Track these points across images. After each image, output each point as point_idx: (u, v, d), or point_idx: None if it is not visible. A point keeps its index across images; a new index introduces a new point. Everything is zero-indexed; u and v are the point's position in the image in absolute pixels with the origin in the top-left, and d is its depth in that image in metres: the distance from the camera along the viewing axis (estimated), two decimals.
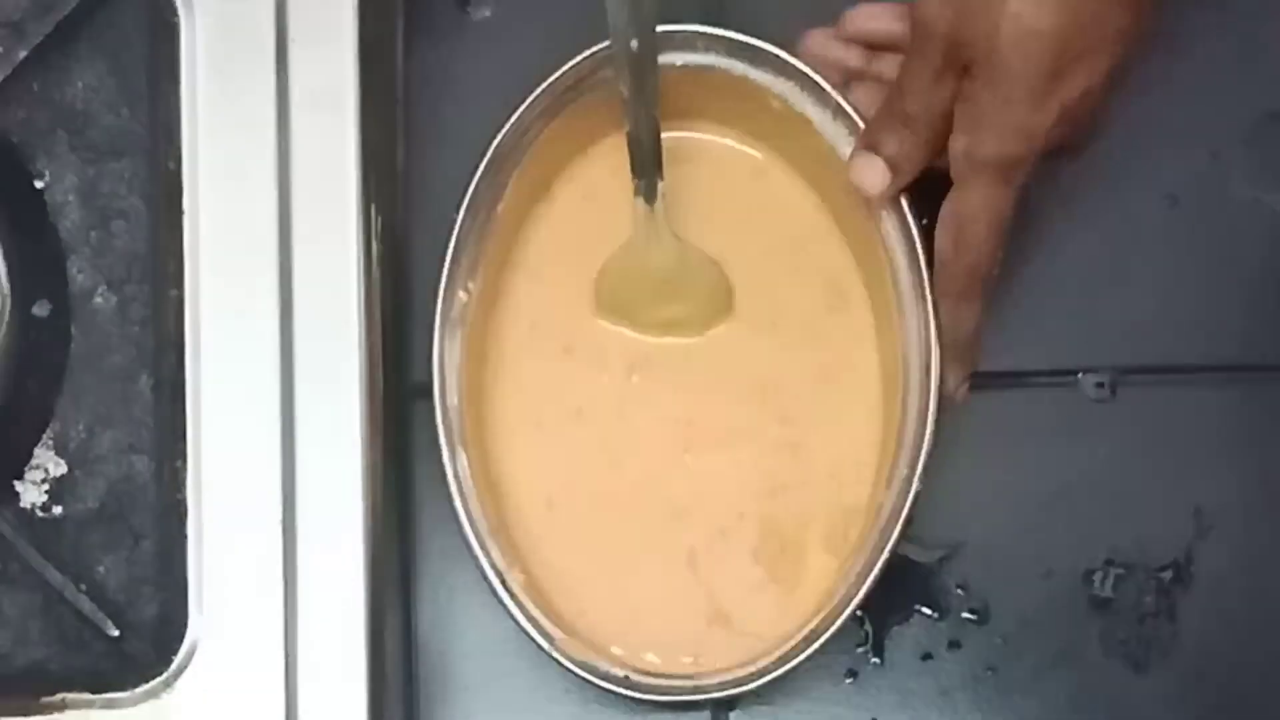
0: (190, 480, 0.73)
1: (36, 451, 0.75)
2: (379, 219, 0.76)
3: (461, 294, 0.76)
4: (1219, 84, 0.82)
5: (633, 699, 0.75)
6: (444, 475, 0.74)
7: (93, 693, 0.72)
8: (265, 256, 0.74)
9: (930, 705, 0.80)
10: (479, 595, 0.75)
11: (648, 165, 0.76)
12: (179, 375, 0.74)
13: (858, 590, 0.73)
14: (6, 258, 0.74)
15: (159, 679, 0.72)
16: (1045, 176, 0.73)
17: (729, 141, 0.80)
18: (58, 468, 0.75)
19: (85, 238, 0.75)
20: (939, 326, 0.74)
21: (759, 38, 0.77)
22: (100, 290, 0.75)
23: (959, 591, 0.81)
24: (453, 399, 0.75)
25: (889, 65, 0.76)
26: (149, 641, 0.74)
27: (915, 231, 0.75)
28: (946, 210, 0.73)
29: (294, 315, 0.74)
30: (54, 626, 0.74)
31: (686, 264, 0.78)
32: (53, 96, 0.76)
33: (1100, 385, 0.81)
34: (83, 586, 0.73)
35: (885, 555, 0.73)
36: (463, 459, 0.75)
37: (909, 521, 0.74)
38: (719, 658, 0.76)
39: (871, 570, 0.73)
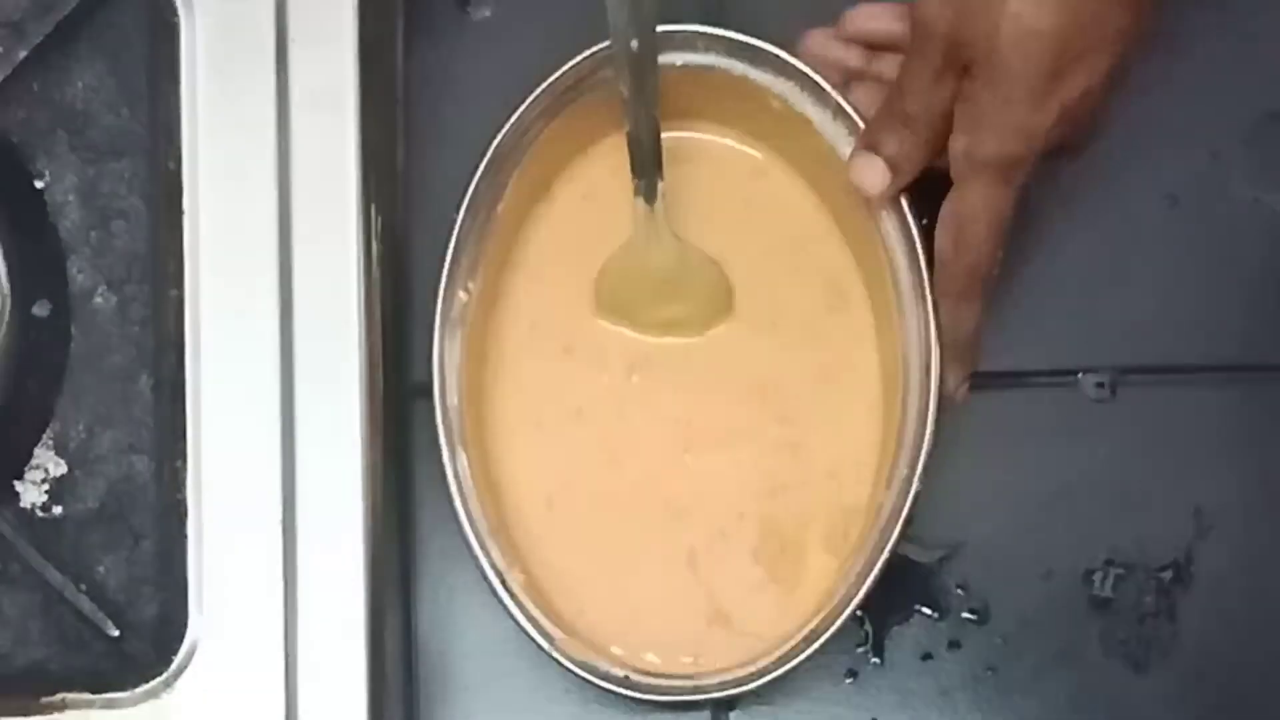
0: (190, 480, 0.73)
1: (36, 451, 0.75)
2: (379, 219, 0.76)
3: (461, 294, 0.76)
4: (1219, 84, 0.82)
5: (633, 699, 0.75)
6: (444, 475, 0.74)
7: (93, 693, 0.73)
8: (265, 256, 0.74)
9: (930, 705, 0.80)
10: (479, 595, 0.75)
11: (648, 165, 0.76)
12: (179, 375, 0.74)
13: (858, 590, 0.73)
14: (6, 258, 0.74)
15: (159, 679, 0.72)
16: (1045, 176, 0.73)
17: (729, 141, 0.80)
18: (58, 468, 0.75)
19: (85, 238, 0.76)
20: (939, 326, 0.74)
21: (759, 38, 0.77)
22: (100, 290, 0.75)
23: (959, 591, 0.81)
24: (453, 399, 0.75)
25: (889, 65, 0.76)
26: (149, 641, 0.74)
27: (915, 231, 0.75)
28: (946, 210, 0.73)
29: (294, 315, 0.74)
30: (54, 626, 0.74)
31: (686, 264, 0.78)
32: (53, 96, 0.76)
33: (1100, 385, 0.81)
34: (83, 586, 0.73)
35: (885, 555, 0.73)
36: (463, 459, 0.75)
37: (909, 521, 0.74)
38: (719, 658, 0.76)
39: (871, 570, 0.73)
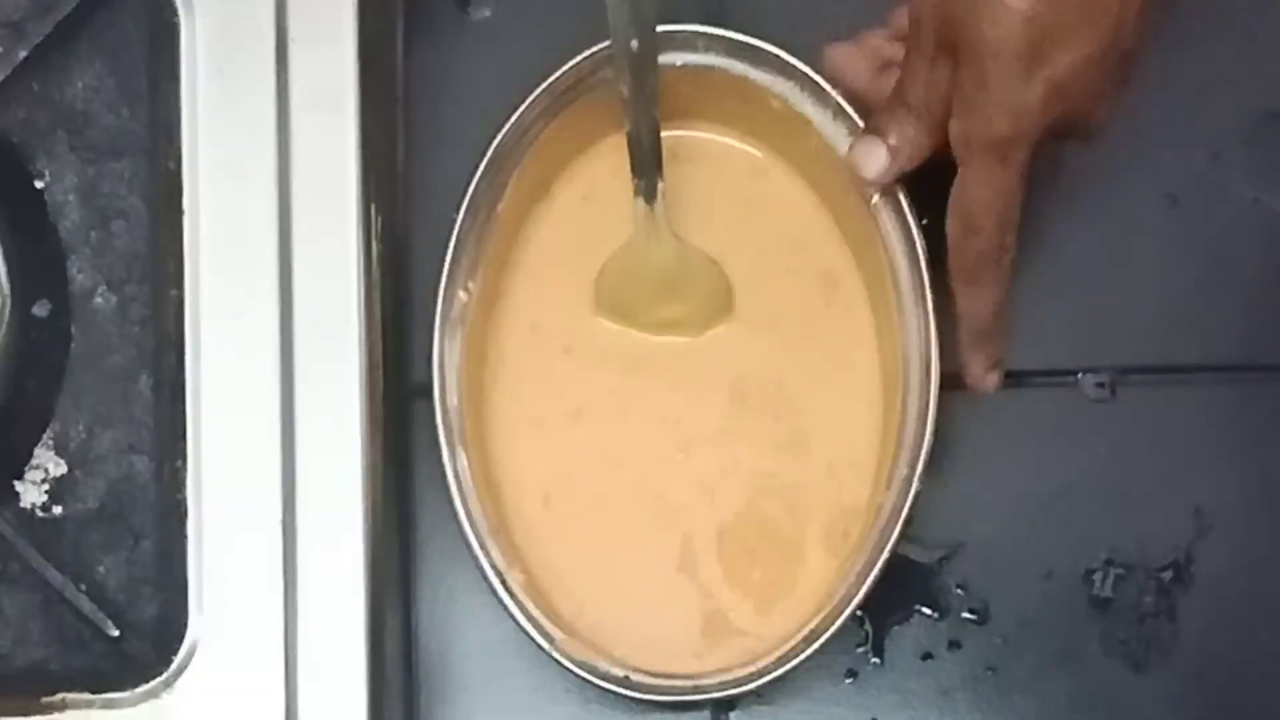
0: (190, 480, 0.73)
1: (36, 451, 0.75)
2: (379, 219, 0.76)
3: (461, 294, 0.76)
4: (1219, 84, 0.82)
5: (633, 699, 0.75)
6: (444, 475, 0.74)
7: (93, 693, 0.72)
8: (265, 256, 0.74)
9: (930, 705, 0.80)
10: (479, 595, 0.75)
11: (648, 165, 0.76)
12: (179, 375, 0.74)
13: (858, 590, 0.73)
14: (6, 258, 0.74)
15: (159, 679, 0.72)
16: (1046, 175, 0.73)
17: (729, 141, 0.80)
18: (58, 468, 0.75)
19: (85, 238, 0.76)
20: (958, 313, 0.74)
21: (759, 38, 0.77)
22: (100, 290, 0.75)
23: (959, 591, 0.81)
24: (453, 399, 0.75)
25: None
26: (149, 641, 0.74)
27: (915, 231, 0.75)
28: (953, 196, 0.72)
29: (294, 315, 0.74)
30: (54, 626, 0.74)
31: (686, 264, 0.78)
32: (53, 96, 0.76)
33: (1100, 385, 0.81)
34: (83, 586, 0.73)
35: (885, 555, 0.73)
36: (463, 459, 0.75)
37: (909, 521, 0.74)
38: (719, 658, 0.76)
39: (871, 570, 0.73)
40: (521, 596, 0.74)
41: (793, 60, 0.76)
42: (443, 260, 0.75)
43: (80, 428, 0.75)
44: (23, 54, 0.75)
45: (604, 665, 0.74)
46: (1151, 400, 0.81)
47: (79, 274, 0.75)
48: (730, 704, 0.80)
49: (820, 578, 0.77)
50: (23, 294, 0.74)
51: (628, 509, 0.78)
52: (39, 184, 0.76)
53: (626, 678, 0.74)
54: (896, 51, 0.75)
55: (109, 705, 0.72)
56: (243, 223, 0.74)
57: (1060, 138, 0.72)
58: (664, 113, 0.75)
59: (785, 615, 0.76)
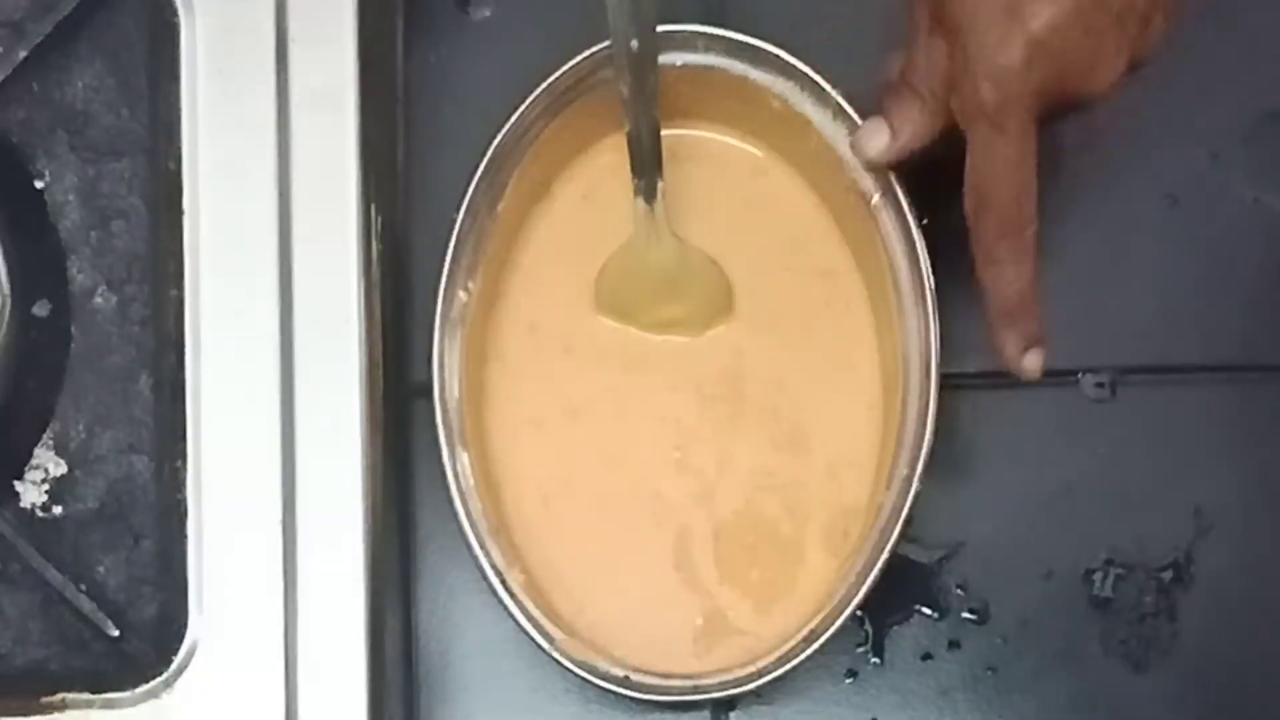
0: (190, 480, 0.73)
1: (36, 451, 0.75)
2: (379, 219, 0.76)
3: (461, 294, 0.76)
4: (1219, 84, 0.82)
5: (633, 699, 0.75)
6: (444, 475, 0.74)
7: (93, 693, 0.72)
8: (265, 256, 0.74)
9: (930, 705, 0.80)
10: (479, 595, 0.75)
11: (647, 165, 0.76)
12: (179, 375, 0.74)
13: (858, 590, 0.73)
14: (6, 258, 0.74)
15: (159, 679, 0.72)
16: (1046, 175, 0.73)
17: (729, 141, 0.80)
18: (58, 468, 0.75)
19: (85, 238, 0.76)
20: (985, 294, 0.73)
21: (759, 38, 0.77)
22: (100, 290, 0.75)
23: (959, 591, 0.81)
24: (453, 399, 0.75)
25: None
26: (149, 641, 0.74)
27: (915, 231, 0.75)
28: (965, 173, 0.72)
29: (294, 315, 0.74)
30: (54, 626, 0.74)
31: (686, 264, 0.78)
32: (53, 96, 0.76)
33: (1100, 385, 0.81)
34: (83, 586, 0.73)
35: (885, 555, 0.73)
36: (463, 459, 0.75)
37: (909, 521, 0.74)
38: (719, 658, 0.76)
39: (871, 570, 0.73)
40: (521, 596, 0.74)
41: (793, 60, 0.76)
42: (443, 260, 0.75)
43: (80, 428, 0.75)
44: (23, 54, 0.75)
45: (604, 665, 0.74)
46: (1151, 400, 0.81)
47: (79, 274, 0.75)
48: (730, 704, 0.80)
49: (820, 578, 0.77)
50: (23, 294, 0.74)
51: (627, 508, 0.78)
52: (39, 184, 0.76)
53: (626, 678, 0.74)
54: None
55: (109, 705, 0.72)
56: (243, 223, 0.74)
57: (1063, 106, 0.71)
58: (664, 113, 0.75)
59: (785, 615, 0.76)
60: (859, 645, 0.80)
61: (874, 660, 0.80)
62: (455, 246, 0.75)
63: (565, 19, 0.80)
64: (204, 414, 0.73)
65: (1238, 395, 0.82)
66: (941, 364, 0.74)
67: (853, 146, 0.75)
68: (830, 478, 0.78)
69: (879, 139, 0.74)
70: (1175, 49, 0.74)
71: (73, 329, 0.75)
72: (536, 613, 0.74)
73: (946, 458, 0.77)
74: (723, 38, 0.77)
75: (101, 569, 0.74)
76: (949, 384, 0.75)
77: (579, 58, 0.76)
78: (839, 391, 0.79)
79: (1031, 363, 0.74)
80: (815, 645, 0.73)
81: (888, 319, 0.77)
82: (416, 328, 0.78)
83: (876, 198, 0.76)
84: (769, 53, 0.77)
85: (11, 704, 0.72)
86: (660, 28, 0.74)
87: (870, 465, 0.77)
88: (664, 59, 0.75)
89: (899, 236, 0.76)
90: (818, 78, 0.76)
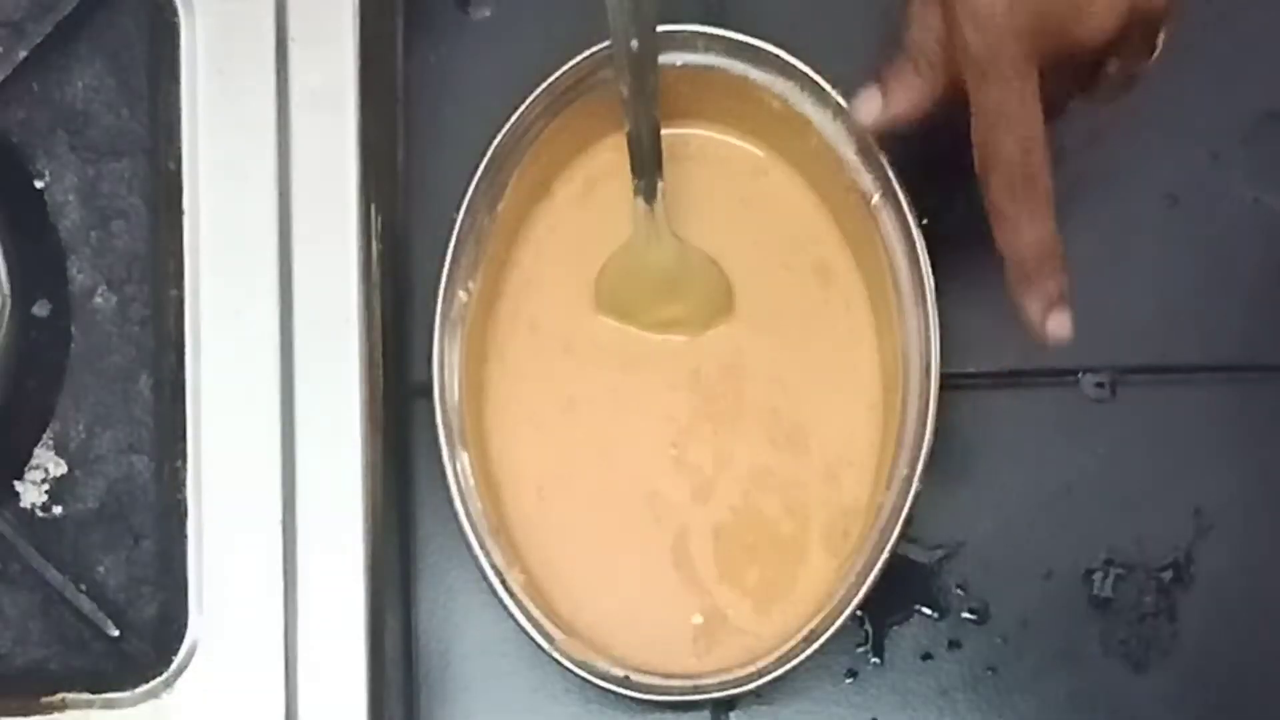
0: (190, 480, 0.73)
1: (36, 451, 0.75)
2: (379, 219, 0.76)
3: (461, 294, 0.76)
4: (1219, 84, 0.82)
5: (633, 699, 0.75)
6: (444, 475, 0.74)
7: (93, 693, 0.72)
8: (265, 256, 0.74)
9: (930, 705, 0.80)
10: (479, 595, 0.75)
11: (647, 165, 0.76)
12: (179, 375, 0.74)
13: (858, 590, 0.73)
14: (6, 258, 0.74)
15: (159, 679, 0.72)
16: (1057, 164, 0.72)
17: (729, 140, 0.80)
18: (58, 468, 0.75)
19: (85, 238, 0.76)
20: (1002, 256, 0.71)
21: (759, 38, 0.77)
22: (100, 290, 0.75)
23: (959, 591, 0.81)
24: (453, 399, 0.75)
25: None
26: (149, 641, 0.74)
27: (915, 231, 0.75)
28: (971, 133, 0.71)
29: (294, 315, 0.74)
30: (54, 626, 0.74)
31: (686, 263, 0.78)
32: (53, 96, 0.76)
33: (1100, 385, 0.81)
34: (83, 586, 0.73)
35: (885, 555, 0.73)
36: (463, 459, 0.75)
37: (909, 521, 0.74)
38: (718, 658, 0.76)
39: (871, 570, 0.73)
40: (521, 596, 0.74)
41: (793, 60, 0.76)
42: (443, 260, 0.75)
43: (80, 428, 0.75)
44: (23, 54, 0.75)
45: (604, 665, 0.74)
46: (1151, 400, 0.81)
47: (79, 274, 0.75)
48: (730, 704, 0.80)
49: (820, 578, 0.77)
50: (23, 294, 0.74)
51: (626, 507, 0.78)
52: (39, 184, 0.76)
53: (626, 678, 0.74)
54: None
55: (109, 705, 0.72)
56: (243, 223, 0.74)
57: (1061, 54, 0.69)
58: (664, 112, 0.75)
59: (785, 615, 0.76)
60: (859, 645, 0.80)
61: (874, 660, 0.80)
62: (455, 246, 0.75)
63: (565, 19, 0.80)
64: (204, 414, 0.73)
65: (1238, 395, 0.82)
66: (941, 364, 0.74)
67: (851, 113, 0.75)
68: (830, 478, 0.78)
69: (871, 105, 0.73)
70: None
71: (73, 329, 0.75)
72: (536, 613, 0.74)
73: (946, 458, 0.77)
74: (723, 38, 0.77)
75: (101, 569, 0.74)
76: (949, 384, 0.75)
77: (579, 58, 0.76)
78: (839, 391, 0.79)
79: (1056, 326, 0.72)
80: (815, 645, 0.73)
81: (888, 319, 0.77)
82: (416, 328, 0.78)
83: (876, 198, 0.76)
84: (769, 53, 0.77)
85: (11, 704, 0.72)
86: (660, 28, 0.74)
87: (870, 465, 0.77)
88: (664, 59, 0.75)
89: (899, 236, 0.76)
90: (818, 78, 0.76)
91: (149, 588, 0.74)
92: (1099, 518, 0.81)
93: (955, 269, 0.77)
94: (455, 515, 0.74)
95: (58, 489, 0.75)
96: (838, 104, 0.76)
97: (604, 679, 0.74)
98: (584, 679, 0.74)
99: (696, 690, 0.74)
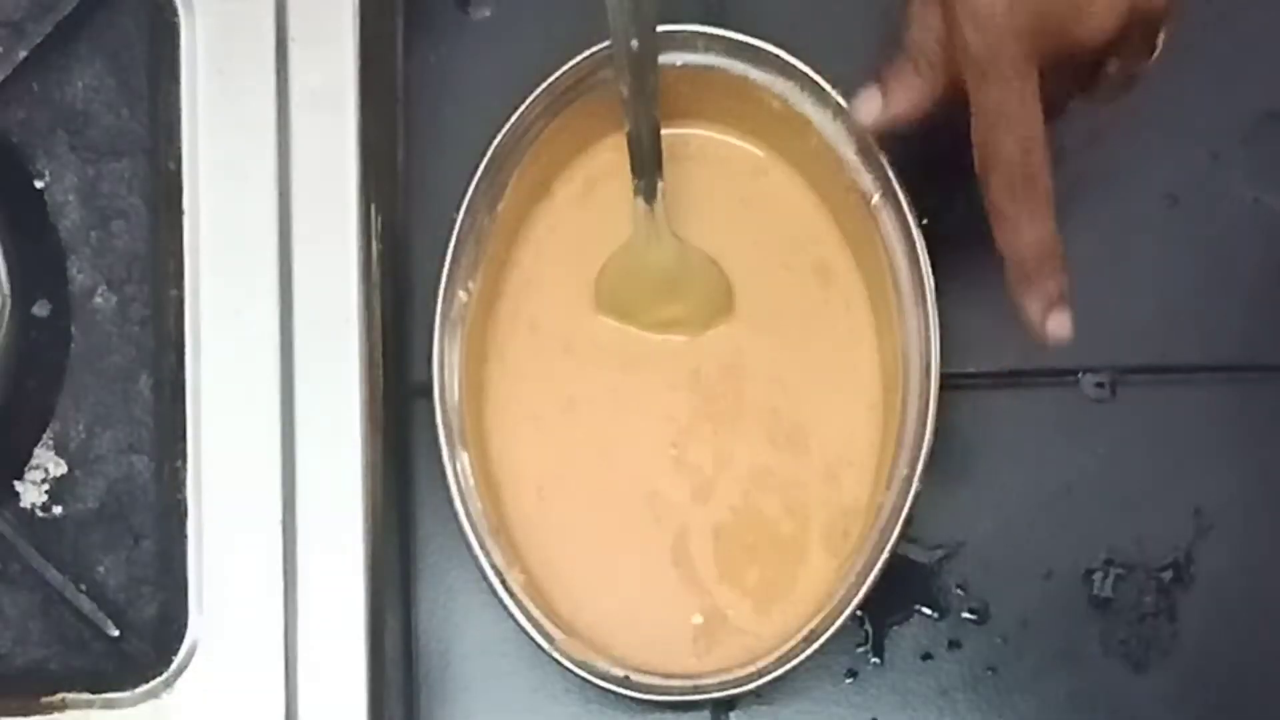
0: (190, 480, 0.73)
1: (36, 451, 0.75)
2: (379, 219, 0.76)
3: (461, 294, 0.76)
4: (1219, 84, 0.82)
5: (633, 699, 0.75)
6: (444, 475, 0.74)
7: (93, 693, 0.72)
8: (265, 256, 0.74)
9: (930, 705, 0.80)
10: (479, 595, 0.75)
11: (647, 165, 0.76)
12: (179, 375, 0.74)
13: (858, 590, 0.73)
14: (6, 258, 0.74)
15: (159, 679, 0.72)
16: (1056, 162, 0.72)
17: (729, 140, 0.80)
18: (58, 468, 0.75)
19: (85, 238, 0.76)
20: (1002, 255, 0.71)
21: (759, 38, 0.77)
22: (100, 290, 0.75)
23: (959, 591, 0.81)
24: (453, 399, 0.75)
25: None
26: (149, 641, 0.74)
27: (915, 231, 0.75)
28: (971, 133, 0.71)
29: (294, 315, 0.74)
30: (54, 626, 0.74)
31: (686, 263, 0.78)
32: (53, 96, 0.76)
33: (1100, 385, 0.81)
34: (83, 586, 0.73)
35: (885, 555, 0.73)
36: (463, 459, 0.75)
37: (909, 521, 0.74)
38: (718, 657, 0.76)
39: (871, 570, 0.73)
40: (521, 596, 0.74)
41: (793, 60, 0.76)
42: (443, 260, 0.75)
43: (80, 428, 0.75)
44: (23, 54, 0.75)
45: (604, 665, 0.74)
46: (1151, 400, 0.81)
47: (79, 274, 0.75)
48: (730, 704, 0.80)
49: (820, 578, 0.77)
50: (23, 294, 0.74)
51: (626, 506, 0.78)
52: (39, 184, 0.76)
53: (626, 678, 0.74)
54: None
55: (109, 705, 0.72)
56: (243, 223, 0.74)
57: (1061, 54, 0.69)
58: (664, 112, 0.75)
59: (785, 615, 0.76)
60: (859, 645, 0.80)
61: (874, 660, 0.80)
62: (455, 246, 0.75)
63: (565, 19, 0.80)
64: (204, 414, 0.73)
65: (1238, 395, 0.82)
66: (941, 364, 0.74)
67: (851, 112, 0.75)
68: (830, 478, 0.78)
69: (871, 105, 0.73)
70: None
71: (73, 329, 0.75)
72: (536, 613, 0.74)
73: (946, 458, 0.77)
74: (723, 38, 0.77)
75: (101, 569, 0.74)
76: (949, 384, 0.75)
77: (579, 58, 0.76)
78: (839, 391, 0.79)
79: (1056, 326, 0.72)
80: (815, 645, 0.73)
81: (888, 319, 0.77)
82: (416, 328, 0.78)
83: (876, 198, 0.76)
84: (769, 53, 0.77)
85: (11, 704, 0.72)
86: (660, 28, 0.74)
87: (870, 465, 0.77)
88: (664, 59, 0.75)
89: (899, 236, 0.76)
90: (818, 78, 0.76)
91: (149, 588, 0.74)
92: (1099, 518, 0.81)
93: (955, 269, 0.77)
94: (455, 515, 0.74)
95: (58, 489, 0.75)
96: (838, 104, 0.76)
97: (604, 679, 0.74)
98: (584, 679, 0.74)
99: (696, 690, 0.74)
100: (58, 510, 0.74)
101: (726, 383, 0.79)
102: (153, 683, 0.72)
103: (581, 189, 0.80)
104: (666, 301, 0.79)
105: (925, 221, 0.75)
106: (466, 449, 0.75)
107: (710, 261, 0.79)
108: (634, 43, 0.73)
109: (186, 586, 0.73)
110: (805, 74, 0.76)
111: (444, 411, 0.75)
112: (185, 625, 0.73)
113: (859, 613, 0.76)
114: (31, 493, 0.74)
